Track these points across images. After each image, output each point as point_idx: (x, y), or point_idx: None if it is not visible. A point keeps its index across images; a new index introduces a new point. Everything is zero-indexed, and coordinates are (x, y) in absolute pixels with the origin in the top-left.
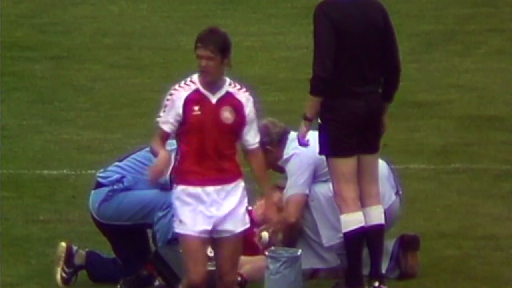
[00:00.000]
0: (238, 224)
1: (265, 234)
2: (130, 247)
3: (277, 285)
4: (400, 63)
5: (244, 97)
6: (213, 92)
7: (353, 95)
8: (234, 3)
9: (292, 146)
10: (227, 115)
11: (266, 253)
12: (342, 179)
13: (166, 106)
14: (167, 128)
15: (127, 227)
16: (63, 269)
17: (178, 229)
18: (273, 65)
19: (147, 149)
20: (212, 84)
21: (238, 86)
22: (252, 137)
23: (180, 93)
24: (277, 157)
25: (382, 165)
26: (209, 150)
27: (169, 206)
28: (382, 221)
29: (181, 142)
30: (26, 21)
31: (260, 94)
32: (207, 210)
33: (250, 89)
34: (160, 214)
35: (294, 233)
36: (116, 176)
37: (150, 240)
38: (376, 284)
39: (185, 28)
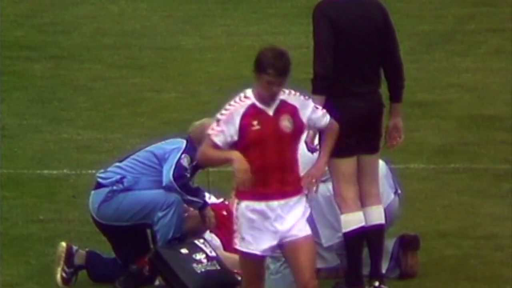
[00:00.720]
0: (302, 231)
1: None
2: (130, 247)
3: (277, 285)
4: (402, 62)
5: (295, 99)
6: (269, 104)
7: (353, 95)
8: (234, 2)
9: None
10: (286, 123)
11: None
12: (342, 179)
13: (219, 120)
14: (218, 141)
15: (127, 227)
16: (63, 269)
17: (241, 246)
18: None
19: (148, 149)
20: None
21: (287, 91)
22: (321, 117)
23: (236, 109)
24: None
25: (380, 164)
26: (271, 163)
27: (168, 206)
28: (382, 221)
29: (243, 152)
30: (26, 20)
31: None
32: (272, 225)
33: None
34: (160, 214)
35: None
36: (116, 176)
37: (150, 240)
38: (376, 283)
39: (185, 28)
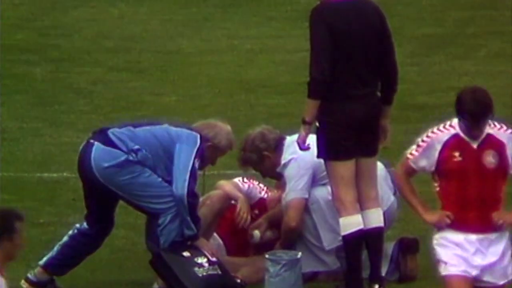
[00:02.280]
0: (501, 277)
1: (256, 232)
2: (107, 210)
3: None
4: (397, 65)
5: (505, 136)
6: (473, 137)
7: (351, 98)
8: (234, 6)
9: (289, 151)
10: (490, 159)
11: (266, 255)
12: (341, 182)
13: (420, 146)
14: (416, 166)
15: (121, 197)
16: None
17: (445, 271)
18: (273, 68)
19: (163, 126)
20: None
21: (498, 126)
22: None
23: (439, 137)
24: (274, 163)
25: (379, 166)
26: (471, 197)
27: (172, 208)
28: (381, 224)
29: (441, 183)
30: (26, 24)
31: (260, 98)
32: (471, 259)
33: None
34: (167, 218)
35: (293, 237)
36: (132, 144)
37: (144, 238)
38: (376, 286)
39: (185, 32)
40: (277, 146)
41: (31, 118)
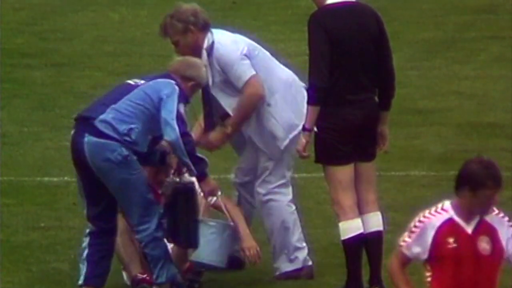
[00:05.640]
0: None
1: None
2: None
3: (200, 249)
4: (395, 70)
5: (497, 220)
6: (468, 220)
7: (349, 103)
8: (235, 10)
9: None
10: (484, 246)
11: (200, 218)
12: (339, 187)
13: (412, 232)
14: (409, 254)
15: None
16: None
17: None
18: None
19: (141, 87)
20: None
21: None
22: None
23: (432, 221)
24: (195, 41)
25: None
26: (466, 284)
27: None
28: (381, 227)
29: (433, 270)
30: (26, 28)
31: None
32: None
33: None
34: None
35: (258, 105)
36: (123, 127)
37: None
38: None
39: None
40: (205, 27)
41: (31, 122)
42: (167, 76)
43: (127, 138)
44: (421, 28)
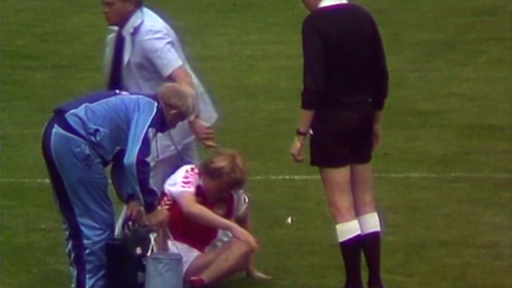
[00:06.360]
0: None
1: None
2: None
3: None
4: (388, 70)
5: None
6: None
7: (345, 105)
8: (235, 12)
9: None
10: None
11: (148, 255)
12: (336, 189)
13: None
14: None
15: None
16: None
17: None
18: (274, 74)
19: (121, 96)
20: None
21: None
22: None
23: None
24: (127, 13)
25: None
26: None
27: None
28: (378, 228)
29: None
30: (27, 30)
31: (261, 103)
32: None
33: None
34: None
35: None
36: (90, 126)
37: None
38: None
39: (186, 38)
40: (138, 3)
41: (32, 124)
42: (153, 97)
43: (92, 138)
44: (421, 30)
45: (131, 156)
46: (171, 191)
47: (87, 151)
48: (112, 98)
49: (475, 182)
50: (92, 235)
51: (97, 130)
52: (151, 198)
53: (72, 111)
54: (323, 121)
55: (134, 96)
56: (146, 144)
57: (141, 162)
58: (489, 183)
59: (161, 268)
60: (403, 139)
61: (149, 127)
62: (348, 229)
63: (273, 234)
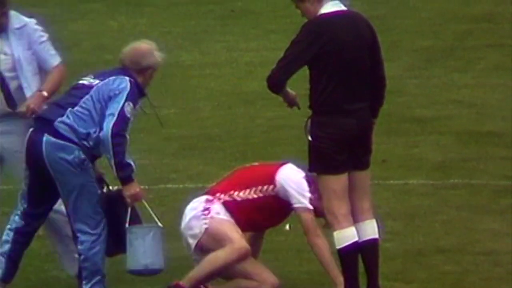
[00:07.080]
0: None
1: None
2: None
3: (129, 256)
4: (386, 78)
5: None
6: None
7: (344, 112)
8: (234, 18)
9: None
10: None
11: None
12: (334, 196)
13: None
14: None
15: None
16: None
17: None
18: None
19: (94, 85)
20: None
21: None
22: None
23: None
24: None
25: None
26: None
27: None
28: (376, 235)
29: None
30: None
31: (260, 110)
32: None
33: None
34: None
35: None
36: (81, 131)
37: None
38: None
39: (185, 44)
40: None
41: None
42: (121, 71)
43: (85, 143)
44: (420, 37)
45: (106, 128)
46: (300, 200)
47: (82, 155)
48: (91, 94)
49: (474, 189)
50: (87, 241)
51: (88, 134)
52: (127, 171)
53: (60, 119)
54: (322, 128)
55: (102, 84)
56: (121, 117)
57: (116, 135)
58: (488, 190)
59: (132, 237)
60: (401, 145)
61: (125, 101)
62: (346, 236)
63: (271, 241)
